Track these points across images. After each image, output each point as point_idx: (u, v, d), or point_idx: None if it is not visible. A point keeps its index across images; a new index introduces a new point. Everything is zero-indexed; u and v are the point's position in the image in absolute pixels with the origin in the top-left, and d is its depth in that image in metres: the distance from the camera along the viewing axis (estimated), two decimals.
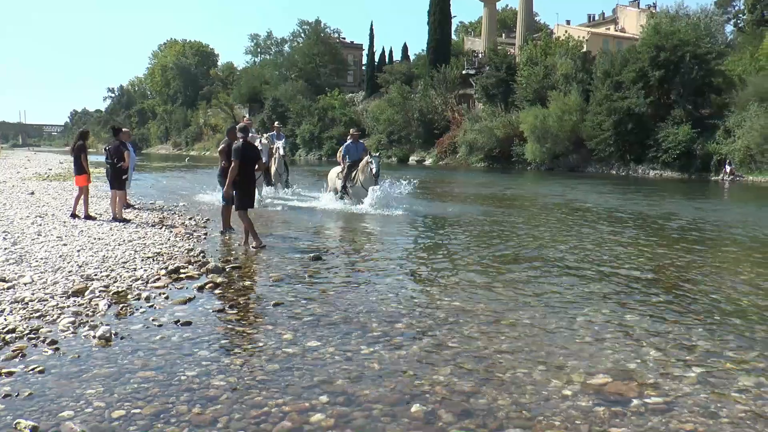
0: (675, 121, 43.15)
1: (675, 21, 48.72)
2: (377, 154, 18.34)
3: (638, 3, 79.64)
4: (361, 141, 19.83)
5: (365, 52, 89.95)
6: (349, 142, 18.77)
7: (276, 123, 23.59)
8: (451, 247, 11.44)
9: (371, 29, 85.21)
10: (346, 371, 5.10)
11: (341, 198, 18.21)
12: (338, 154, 19.69)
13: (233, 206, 11.39)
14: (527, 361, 5.37)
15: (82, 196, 13.47)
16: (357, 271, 9.35)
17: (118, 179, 13.69)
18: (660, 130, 43.46)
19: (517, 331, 6.27)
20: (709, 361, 5.49)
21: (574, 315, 6.97)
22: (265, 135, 21.20)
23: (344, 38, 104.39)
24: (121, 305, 6.91)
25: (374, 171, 16.98)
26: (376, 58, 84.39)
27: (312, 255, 10.11)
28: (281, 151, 20.45)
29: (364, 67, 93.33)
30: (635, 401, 4.60)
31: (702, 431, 4.18)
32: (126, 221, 13.33)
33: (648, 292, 8.19)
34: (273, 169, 20.45)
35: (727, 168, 39.13)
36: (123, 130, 17.09)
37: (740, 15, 71.27)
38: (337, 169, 19.13)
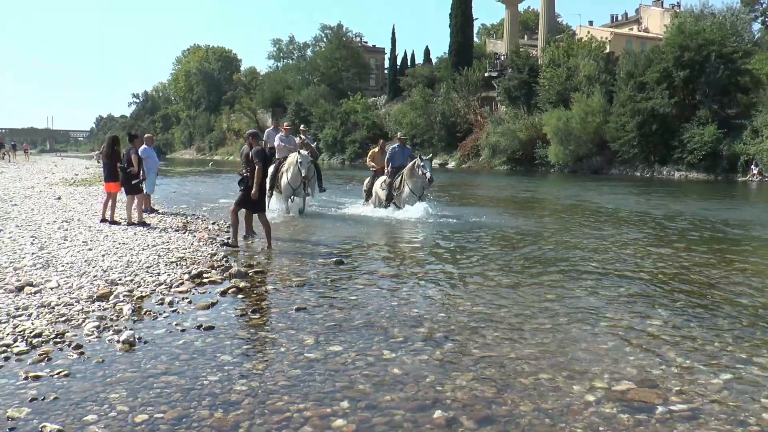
0: (700, 122, 42.66)
1: (700, 20, 48.25)
2: (428, 156, 16.39)
3: (662, 2, 78.98)
4: (408, 146, 18.14)
5: (387, 56, 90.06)
6: (395, 146, 17.38)
7: (285, 124, 19.43)
8: (475, 251, 11.38)
9: (393, 33, 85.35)
10: (368, 376, 5.10)
11: (386, 208, 16.70)
12: (368, 159, 18.79)
13: (253, 210, 11.66)
14: (550, 367, 5.33)
15: (110, 202, 13.66)
16: (380, 276, 9.34)
17: (128, 184, 13.84)
18: (685, 130, 42.98)
19: (539, 336, 6.23)
20: (737, 367, 5.41)
21: (597, 320, 6.91)
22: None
23: (366, 42, 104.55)
24: (145, 310, 6.97)
25: (428, 176, 15.39)
26: (398, 62, 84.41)
27: (335, 260, 10.13)
28: (303, 171, 16.27)
29: (386, 71, 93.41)
30: (660, 408, 4.54)
31: None
32: (145, 225, 13.45)
33: (673, 297, 8.10)
34: (284, 180, 16.78)
35: (755, 169, 38.63)
36: (146, 135, 17.43)
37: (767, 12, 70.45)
38: (379, 180, 17.51)
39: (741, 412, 4.52)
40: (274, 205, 17.01)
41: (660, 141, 44.04)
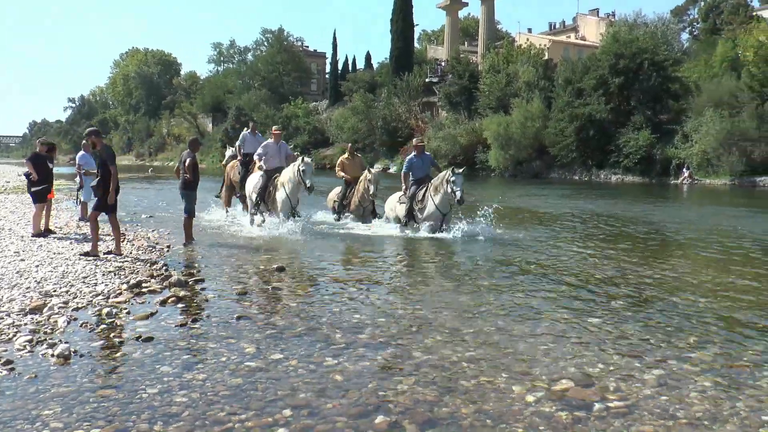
0: (635, 127, 43.97)
1: (633, 29, 49.90)
2: (461, 171, 13.73)
3: (598, 12, 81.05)
4: (428, 153, 15.54)
5: (328, 61, 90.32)
6: (412, 155, 14.91)
7: (275, 128, 17.08)
8: (416, 255, 11.43)
9: (334, 38, 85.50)
10: (310, 384, 5.06)
11: (405, 225, 14.50)
12: (337, 168, 16.46)
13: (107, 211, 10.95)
14: (491, 368, 5.39)
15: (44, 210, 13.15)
16: (321, 282, 9.31)
17: (29, 191, 13.29)
18: (621, 135, 44.25)
19: (481, 338, 6.30)
20: (669, 363, 5.58)
21: (537, 321, 7.04)
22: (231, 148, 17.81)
23: (307, 47, 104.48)
24: (81, 321, 6.78)
25: (458, 196, 13.21)
26: (340, 67, 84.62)
27: (276, 266, 10.05)
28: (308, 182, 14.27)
29: (327, 76, 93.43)
30: (597, 405, 4.65)
31: None
32: (48, 234, 12.83)
33: (610, 296, 8.31)
34: (282, 195, 14.70)
35: (686, 172, 39.95)
36: (83, 141, 16.98)
37: (695, 23, 73.22)
38: (395, 195, 15.43)
39: (672, 405, 4.66)
40: (254, 228, 14.71)
41: (597, 146, 45.16)
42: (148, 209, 19.94)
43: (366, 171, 15.28)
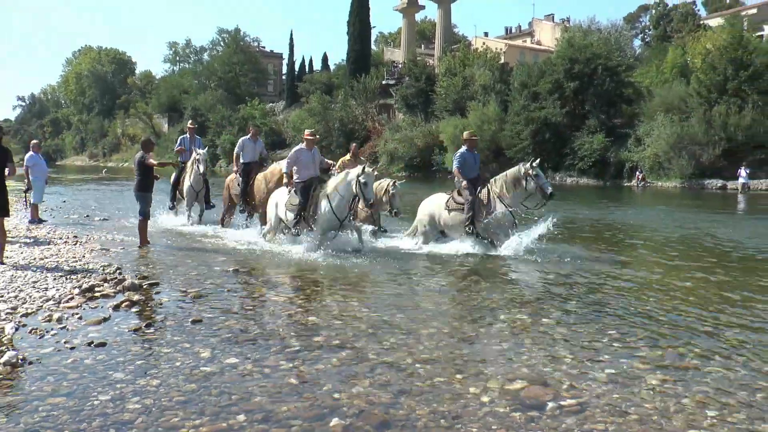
0: (590, 131, 44.72)
1: (588, 35, 50.71)
2: (538, 162, 12.00)
3: (553, 17, 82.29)
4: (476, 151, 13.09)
5: (285, 62, 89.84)
6: (463, 150, 12.57)
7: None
8: (370, 257, 11.35)
9: (291, 38, 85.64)
10: (265, 388, 5.03)
11: (473, 235, 11.91)
12: (336, 170, 13.13)
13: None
14: (446, 370, 5.43)
15: None
16: (278, 285, 9.27)
17: None
18: (576, 138, 44.97)
19: (436, 340, 6.33)
20: (621, 361, 5.69)
21: (492, 322, 7.11)
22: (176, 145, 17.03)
23: (264, 47, 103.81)
24: (30, 328, 6.63)
25: (548, 189, 11.60)
26: (296, 68, 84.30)
27: (233, 269, 9.97)
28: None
29: (284, 77, 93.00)
30: (550, 404, 4.71)
31: (613, 429, 4.32)
32: None
33: (564, 297, 8.43)
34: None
35: (639, 174, 40.75)
36: (33, 141, 16.65)
37: (647, 30, 74.81)
38: (436, 198, 12.82)
39: (623, 403, 4.75)
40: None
41: (553, 149, 45.77)
42: (102, 211, 19.59)
43: (388, 183, 12.46)
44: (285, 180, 12.60)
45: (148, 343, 6.22)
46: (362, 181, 11.41)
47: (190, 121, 18.44)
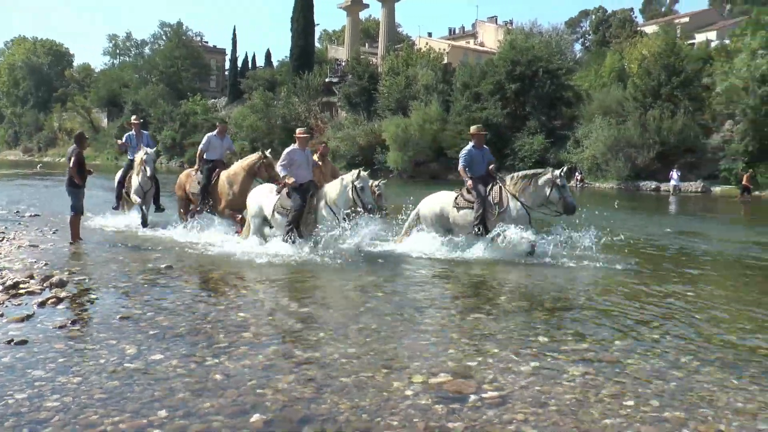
0: (530, 132, 45.42)
1: (529, 38, 51.42)
2: (564, 170, 11.36)
3: (496, 19, 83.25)
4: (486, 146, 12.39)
5: (228, 57, 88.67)
6: (471, 146, 11.96)
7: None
8: (305, 253, 11.24)
9: (234, 34, 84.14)
10: (189, 384, 4.93)
11: (480, 234, 11.15)
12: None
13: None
14: (371, 364, 5.42)
15: None
16: (209, 281, 9.13)
17: None
18: (516, 139, 45.58)
19: (363, 335, 6.32)
20: (545, 354, 5.78)
21: (421, 318, 7.13)
22: (121, 140, 15.84)
23: (206, 42, 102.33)
24: None
25: (569, 201, 10.96)
26: (239, 64, 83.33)
27: (165, 265, 9.79)
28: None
29: (226, 73, 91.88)
30: (473, 397, 4.74)
31: (532, 420, 4.38)
32: None
33: (494, 293, 8.54)
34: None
35: (578, 176, 41.52)
36: None
37: (587, 35, 76.50)
38: (443, 195, 12.03)
39: (544, 395, 4.82)
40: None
41: (494, 149, 45.53)
42: (34, 207, 19.05)
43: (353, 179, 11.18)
44: (286, 182, 11.38)
45: (72, 341, 6.03)
46: (358, 186, 10.86)
47: (133, 117, 16.83)
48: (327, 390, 4.83)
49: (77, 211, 12.13)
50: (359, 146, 54.22)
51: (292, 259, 10.50)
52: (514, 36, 53.33)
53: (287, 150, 11.71)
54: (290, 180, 11.30)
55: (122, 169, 15.50)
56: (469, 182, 11.45)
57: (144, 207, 14.32)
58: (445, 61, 57.87)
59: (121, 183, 15.26)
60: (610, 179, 40.33)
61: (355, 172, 11.11)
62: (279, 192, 11.60)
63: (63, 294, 7.75)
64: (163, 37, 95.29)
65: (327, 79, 67.18)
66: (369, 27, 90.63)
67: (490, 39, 75.86)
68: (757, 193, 32.76)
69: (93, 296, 7.93)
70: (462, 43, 77.70)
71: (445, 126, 49.00)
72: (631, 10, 74.35)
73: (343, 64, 69.12)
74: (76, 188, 12.16)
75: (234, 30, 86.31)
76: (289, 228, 11.12)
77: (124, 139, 15.62)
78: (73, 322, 6.60)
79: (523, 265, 10.44)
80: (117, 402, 4.59)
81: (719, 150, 37.81)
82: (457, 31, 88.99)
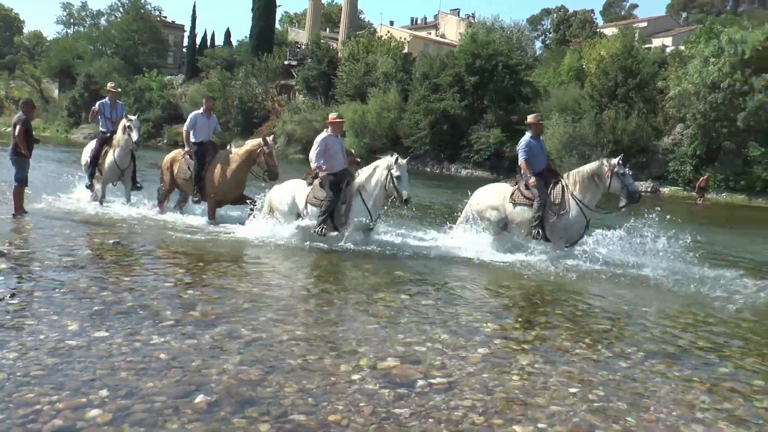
0: (487, 125, 45.77)
1: (491, 32, 51.74)
2: (620, 159, 10.35)
3: (458, 12, 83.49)
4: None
5: (187, 34, 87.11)
6: (529, 137, 10.78)
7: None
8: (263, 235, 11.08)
9: (194, 10, 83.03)
10: (132, 363, 4.78)
11: (539, 238, 10.24)
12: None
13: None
14: (320, 347, 5.36)
15: None
16: (159, 257, 8.95)
17: None
18: (473, 132, 45.84)
19: (313, 317, 6.27)
20: (495, 342, 5.82)
21: (373, 301, 7.11)
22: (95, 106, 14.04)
23: (165, 17, 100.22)
24: None
25: (635, 189, 10.16)
26: (198, 41, 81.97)
27: (113, 240, 9.56)
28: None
29: (185, 50, 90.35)
30: (420, 382, 4.72)
31: (479, 406, 4.38)
32: None
33: (445, 279, 8.58)
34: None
35: None
36: None
37: (547, 33, 77.37)
38: (499, 188, 11.11)
39: (492, 381, 4.84)
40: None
41: (450, 140, 46.57)
42: None
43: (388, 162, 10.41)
44: (319, 173, 10.56)
45: (10, 315, 5.77)
46: (395, 174, 10.03)
47: (110, 84, 14.95)
48: (273, 372, 4.75)
49: (21, 182, 11.62)
50: (316, 131, 53.85)
51: (246, 241, 10.35)
52: (475, 29, 53.62)
53: (321, 137, 10.84)
54: (323, 172, 10.50)
55: (94, 144, 13.87)
56: (533, 180, 10.26)
57: (125, 186, 13.35)
58: (406, 51, 57.83)
59: (95, 159, 13.47)
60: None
61: (391, 159, 10.28)
62: (310, 183, 10.80)
63: (3, 266, 7.47)
64: (120, 9, 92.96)
65: (286, 62, 66.61)
66: (331, 12, 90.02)
67: (452, 31, 76.05)
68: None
69: (36, 269, 7.66)
70: (423, 33, 77.70)
71: (402, 115, 49.04)
72: (592, 11, 75.53)
73: (303, 47, 68.60)
74: (21, 158, 11.69)
75: (194, 6, 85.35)
76: (323, 219, 10.29)
77: (97, 106, 13.98)
78: (12, 296, 6.36)
79: (466, 252, 10.36)
80: (55, 380, 4.43)
81: (669, 152, 38.72)
82: (419, 22, 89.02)
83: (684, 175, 36.51)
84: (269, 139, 12.11)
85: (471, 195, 11.22)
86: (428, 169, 46.68)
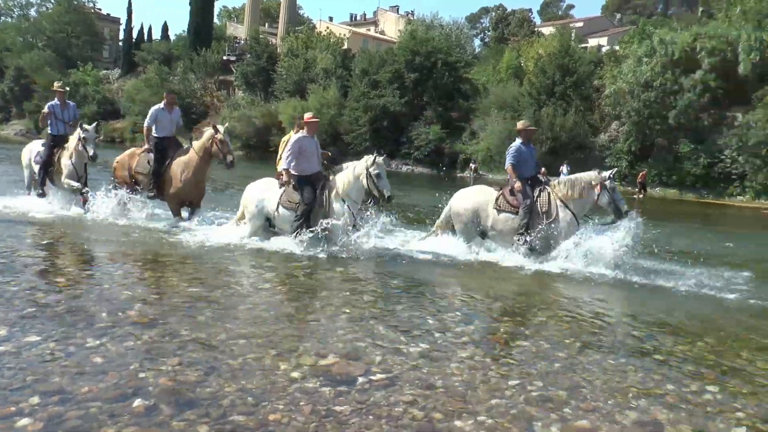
0: (427, 121, 46.23)
1: (430, 29, 52.19)
2: (616, 170, 10.70)
3: (398, 9, 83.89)
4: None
5: (123, 27, 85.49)
6: (519, 143, 10.54)
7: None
8: (203, 234, 10.70)
9: (129, 3, 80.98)
10: (66, 368, 4.60)
11: (525, 246, 9.86)
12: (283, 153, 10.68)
13: None
14: (260, 346, 5.29)
15: None
16: (95, 258, 8.73)
17: None
18: (413, 128, 46.16)
19: (252, 316, 6.19)
20: (435, 336, 5.85)
21: (311, 299, 7.13)
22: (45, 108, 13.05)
23: (100, 9, 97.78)
24: None
25: (623, 206, 9.82)
26: (135, 35, 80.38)
27: (47, 241, 9.28)
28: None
29: (121, 43, 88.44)
30: (361, 379, 4.72)
31: (419, 401, 4.40)
32: None
33: (386, 276, 8.59)
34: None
35: (473, 166, 42.55)
36: None
37: (486, 31, 78.36)
38: (482, 192, 10.65)
39: (432, 376, 4.86)
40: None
41: (390, 136, 46.84)
42: None
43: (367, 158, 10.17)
44: (284, 177, 10.24)
45: None
46: (374, 173, 9.82)
47: (57, 83, 13.84)
48: (213, 373, 4.68)
49: None
50: (255, 127, 53.49)
51: (186, 240, 10.10)
52: (414, 26, 54.01)
53: (295, 137, 10.40)
54: (289, 174, 10.16)
55: (44, 148, 12.75)
56: (518, 184, 10.05)
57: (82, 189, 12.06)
58: (345, 47, 57.85)
59: (46, 166, 12.53)
60: (503, 171, 41.15)
61: (369, 158, 9.98)
62: (283, 185, 10.29)
63: None
64: (52, 0, 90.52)
65: (225, 57, 66.00)
66: (270, 6, 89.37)
67: (391, 28, 76.41)
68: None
69: None
70: (363, 30, 77.78)
71: (342, 111, 49.08)
72: (530, 10, 77.17)
73: (242, 42, 67.99)
74: None
75: None
76: (299, 223, 9.87)
77: (47, 109, 12.92)
78: None
79: (415, 250, 10.44)
80: None
81: (606, 148, 39.79)
82: (358, 18, 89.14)
83: (620, 171, 37.40)
84: (220, 127, 11.51)
85: (451, 197, 10.79)
86: None
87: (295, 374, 4.74)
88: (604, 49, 49.67)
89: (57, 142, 12.62)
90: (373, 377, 4.77)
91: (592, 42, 57.95)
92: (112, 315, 5.94)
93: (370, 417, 4.13)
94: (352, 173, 10.02)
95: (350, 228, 9.82)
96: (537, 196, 10.01)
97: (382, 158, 9.97)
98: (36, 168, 12.77)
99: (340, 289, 7.65)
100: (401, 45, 50.35)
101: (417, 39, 48.51)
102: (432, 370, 4.99)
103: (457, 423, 4.12)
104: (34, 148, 13.15)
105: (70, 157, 12.09)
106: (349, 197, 9.96)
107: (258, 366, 4.87)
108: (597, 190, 9.78)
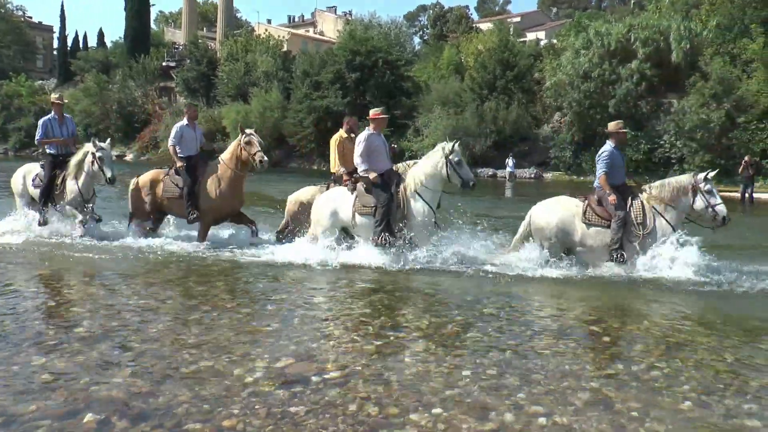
0: None
1: (368, 29, 52.33)
2: (710, 173, 9.03)
3: (335, 9, 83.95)
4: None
5: (56, 35, 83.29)
6: (611, 146, 9.35)
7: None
8: (153, 245, 10.44)
9: (62, 10, 78.91)
10: (11, 387, 4.50)
11: (620, 261, 8.73)
12: (334, 154, 10.67)
13: None
14: (212, 354, 5.25)
15: None
16: (39, 275, 8.52)
17: None
18: (358, 129, 46.08)
19: (204, 324, 6.14)
20: (388, 334, 5.90)
21: (264, 303, 7.12)
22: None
23: (30, 17, 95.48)
24: None
25: (722, 214, 8.67)
26: (69, 43, 78.48)
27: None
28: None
29: (55, 52, 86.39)
30: (315, 378, 4.74)
31: (374, 397, 4.44)
32: None
33: (336, 276, 8.59)
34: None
35: None
36: None
37: (425, 29, 78.98)
38: (566, 203, 9.34)
39: (387, 371, 4.92)
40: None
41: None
42: None
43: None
44: (370, 178, 9.37)
45: None
46: (454, 160, 9.01)
47: (55, 95, 12.10)
48: (166, 382, 4.64)
49: None
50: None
51: (136, 253, 9.89)
52: (353, 26, 54.04)
53: (363, 135, 9.62)
54: (373, 175, 9.34)
55: (44, 169, 11.42)
56: (612, 197, 8.89)
57: (84, 218, 10.89)
58: (285, 49, 57.63)
59: (48, 189, 11.20)
60: None
61: (446, 145, 9.17)
62: (352, 190, 9.58)
63: None
64: None
65: (164, 63, 65.01)
66: (207, 10, 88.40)
67: (330, 29, 76.39)
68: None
69: None
70: (302, 31, 77.59)
71: (285, 113, 48.85)
72: (467, 7, 77.82)
73: (181, 47, 67.11)
74: None
75: (62, 5, 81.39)
76: (380, 228, 9.08)
77: (41, 128, 11.41)
78: None
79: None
80: None
81: (549, 139, 40.47)
82: (296, 20, 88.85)
83: (565, 161, 38.29)
84: (248, 129, 10.95)
85: (531, 209, 9.64)
86: (315, 167, 46.61)
87: (249, 378, 4.72)
88: (542, 43, 50.38)
89: (57, 163, 11.31)
90: (327, 376, 4.78)
91: (530, 36, 58.76)
92: (61, 332, 5.85)
93: (326, 416, 4.14)
94: (429, 165, 9.24)
95: (433, 227, 9.26)
96: (629, 206, 9.02)
97: (458, 144, 9.26)
98: (35, 192, 11.52)
99: (291, 293, 7.69)
100: (341, 45, 50.31)
101: (356, 39, 48.53)
102: (387, 366, 5.04)
103: (413, 417, 4.15)
104: (32, 170, 11.82)
105: (76, 178, 10.92)
106: (426, 192, 9.22)
107: (211, 373, 4.82)
108: (691, 193, 8.85)
